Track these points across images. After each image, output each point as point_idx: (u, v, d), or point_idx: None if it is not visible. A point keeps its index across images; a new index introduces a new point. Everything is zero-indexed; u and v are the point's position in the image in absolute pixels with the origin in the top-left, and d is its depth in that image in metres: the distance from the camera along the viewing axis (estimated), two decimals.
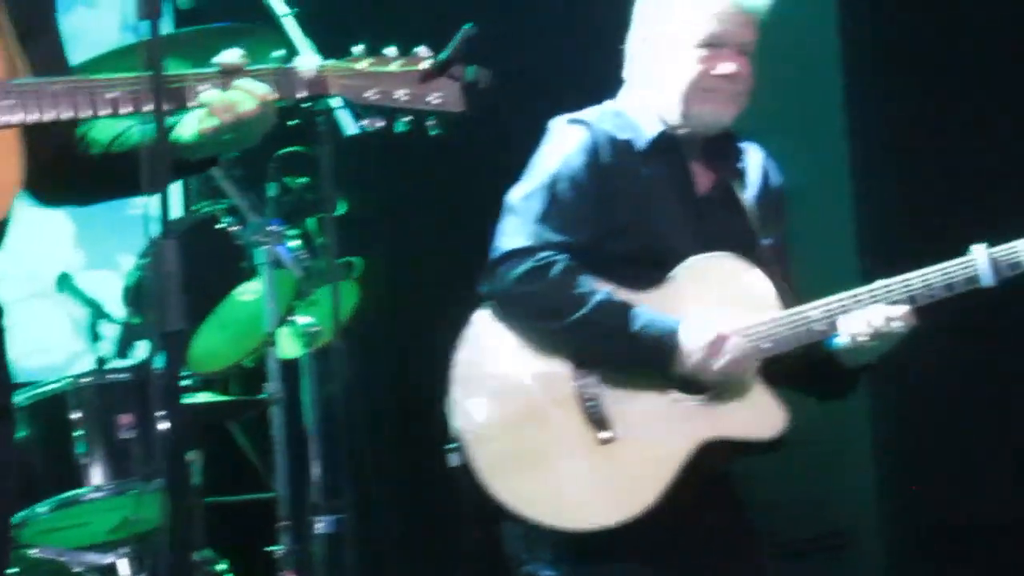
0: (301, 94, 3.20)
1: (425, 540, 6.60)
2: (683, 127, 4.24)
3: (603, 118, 4.29)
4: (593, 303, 4.11)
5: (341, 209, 5.08)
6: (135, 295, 5.33)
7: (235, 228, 5.25)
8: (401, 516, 6.71)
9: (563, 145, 4.24)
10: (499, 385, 4.17)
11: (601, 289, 4.14)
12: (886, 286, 4.08)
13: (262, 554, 5.20)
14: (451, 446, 4.09)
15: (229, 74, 3.08)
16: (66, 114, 2.92)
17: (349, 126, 4.61)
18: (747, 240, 4.28)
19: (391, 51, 3.31)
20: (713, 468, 4.13)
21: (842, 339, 4.06)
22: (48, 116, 3.01)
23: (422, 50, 3.29)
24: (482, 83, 3.33)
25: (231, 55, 3.09)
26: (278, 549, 5.06)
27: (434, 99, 3.34)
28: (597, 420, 4.08)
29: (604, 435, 4.04)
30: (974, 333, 6.35)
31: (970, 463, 6.61)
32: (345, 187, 5.11)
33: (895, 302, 4.08)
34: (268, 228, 5.12)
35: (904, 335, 4.08)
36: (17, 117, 3.02)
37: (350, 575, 4.90)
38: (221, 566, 5.14)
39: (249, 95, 3.04)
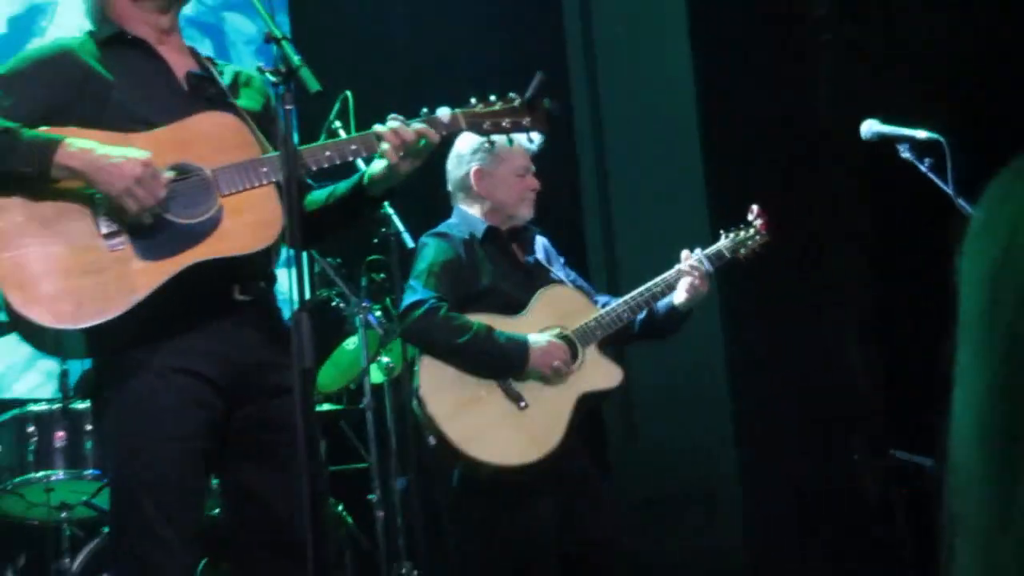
0: (443, 132, 3.83)
1: None
2: (506, 224, 5.39)
3: (451, 227, 5.35)
4: (476, 328, 5.08)
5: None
6: None
7: (342, 305, 6.36)
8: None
9: (435, 249, 5.25)
10: (450, 383, 5.13)
11: (475, 320, 5.09)
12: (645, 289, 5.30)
13: (364, 501, 6.28)
14: (427, 431, 5.10)
15: (396, 128, 3.75)
16: (293, 173, 3.42)
17: (407, 239, 5.85)
18: (553, 282, 5.41)
19: (492, 97, 3.99)
20: (582, 415, 5.18)
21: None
22: (277, 176, 3.62)
23: (512, 94, 3.99)
24: (555, 111, 4.07)
25: (394, 119, 3.79)
26: (373, 497, 6.22)
27: (527, 123, 4.01)
28: (513, 395, 5.12)
29: (522, 405, 5.08)
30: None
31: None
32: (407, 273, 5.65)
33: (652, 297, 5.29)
34: (362, 305, 6.21)
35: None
36: (274, 177, 3.68)
37: (414, 511, 6.12)
38: (339, 507, 6.36)
39: (415, 136, 3.74)
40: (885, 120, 4.94)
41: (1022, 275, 1.03)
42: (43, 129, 3.65)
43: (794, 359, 6.88)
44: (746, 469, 6.98)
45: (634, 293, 5.26)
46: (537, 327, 5.16)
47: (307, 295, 3.60)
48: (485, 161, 5.28)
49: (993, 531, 1.03)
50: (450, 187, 5.42)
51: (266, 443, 3.75)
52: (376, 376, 6.33)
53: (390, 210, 5.84)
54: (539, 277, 5.35)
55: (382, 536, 6.14)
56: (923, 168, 4.73)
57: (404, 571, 6.02)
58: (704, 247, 5.48)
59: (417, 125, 3.74)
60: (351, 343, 6.45)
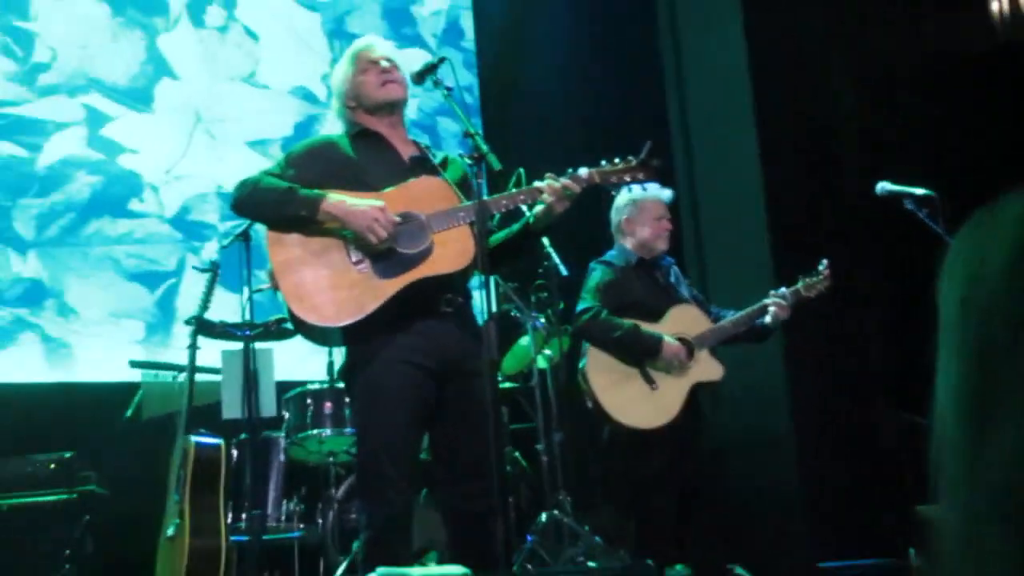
0: (583, 185, 3.79)
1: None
2: (648, 255, 5.36)
3: (612, 257, 5.37)
4: (625, 326, 5.08)
5: (560, 306, 5.98)
6: None
7: (518, 315, 6.14)
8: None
9: (600, 272, 5.30)
10: (606, 366, 5.13)
11: (626, 321, 5.11)
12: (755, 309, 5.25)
13: (533, 449, 6.20)
14: (588, 399, 5.12)
15: (551, 184, 3.75)
16: (482, 216, 3.52)
17: (561, 268, 5.89)
18: (688, 299, 5.38)
19: (616, 159, 3.89)
20: (695, 396, 5.16)
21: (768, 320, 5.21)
22: (471, 218, 3.65)
23: (631, 156, 3.88)
24: (660, 168, 3.95)
25: (549, 177, 3.77)
26: (539, 447, 6.08)
27: (640, 177, 3.91)
28: (648, 379, 5.11)
29: (654, 387, 5.09)
30: None
31: None
32: (561, 292, 5.99)
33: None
34: (531, 314, 6.11)
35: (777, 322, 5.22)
36: (469, 219, 3.69)
37: (567, 456, 6.00)
38: (516, 453, 6.35)
39: (563, 188, 3.74)
40: (894, 181, 4.91)
41: (983, 297, 1.07)
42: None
43: (830, 347, 6.68)
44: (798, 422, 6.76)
45: (740, 314, 5.29)
46: (668, 332, 5.17)
47: (494, 308, 3.43)
48: (633, 212, 5.39)
49: (965, 478, 1.03)
50: (612, 228, 5.52)
51: (462, 411, 3.79)
52: (541, 363, 6.31)
53: (550, 249, 5.87)
54: (672, 295, 5.37)
55: (546, 473, 6.09)
56: (921, 216, 4.70)
57: (560, 497, 5.94)
58: (771, 281, 5.58)
59: (564, 180, 3.77)
60: (524, 340, 6.37)
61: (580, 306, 5.24)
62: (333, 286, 3.71)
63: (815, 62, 7.02)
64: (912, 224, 4.72)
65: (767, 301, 5.27)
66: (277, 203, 3.76)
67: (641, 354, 5.14)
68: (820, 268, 5.38)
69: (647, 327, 5.16)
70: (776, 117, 6.97)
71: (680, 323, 5.24)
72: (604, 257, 5.41)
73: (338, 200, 3.72)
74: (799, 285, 5.33)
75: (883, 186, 4.88)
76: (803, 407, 6.70)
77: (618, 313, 5.19)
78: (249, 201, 3.83)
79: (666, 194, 5.37)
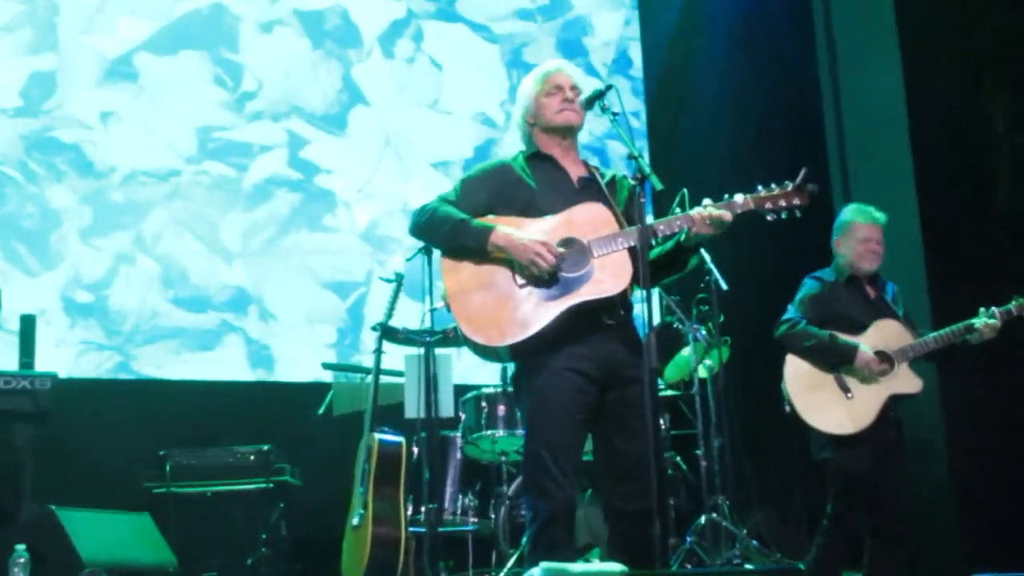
0: (738, 211, 3.72)
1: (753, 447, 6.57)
2: (857, 272, 5.20)
3: (826, 273, 5.27)
4: (820, 335, 4.99)
5: (720, 319, 6.06)
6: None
7: (680, 326, 6.21)
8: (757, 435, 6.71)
9: (808, 286, 5.22)
10: (804, 373, 5.05)
11: (824, 331, 5.01)
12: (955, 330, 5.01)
13: (693, 455, 6.23)
14: (785, 403, 5.04)
15: (705, 211, 3.67)
16: (644, 239, 3.50)
17: (722, 282, 5.95)
18: (896, 315, 5.18)
19: (773, 185, 3.78)
20: (893, 407, 5.01)
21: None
22: (632, 242, 3.64)
23: (787, 182, 3.76)
24: (815, 193, 3.78)
25: (706, 204, 3.70)
26: (699, 452, 6.15)
27: (796, 203, 3.76)
28: (843, 387, 4.97)
29: (849, 395, 4.98)
30: None
31: None
32: (721, 305, 6.03)
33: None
34: (693, 326, 6.14)
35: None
36: (629, 244, 3.68)
37: (726, 462, 5.99)
38: (677, 457, 6.28)
39: (718, 216, 3.67)
40: None
41: None
42: (488, 218, 3.82)
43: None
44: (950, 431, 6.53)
45: (944, 332, 5.06)
46: (870, 343, 5.03)
47: (655, 320, 3.48)
48: (842, 232, 5.27)
49: None
50: (832, 248, 5.36)
51: (623, 415, 3.74)
52: (701, 372, 6.27)
53: (711, 265, 5.84)
54: (881, 309, 5.21)
55: (704, 477, 6.06)
56: None
57: (719, 500, 5.93)
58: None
59: (718, 211, 3.69)
60: (686, 351, 6.33)
61: (784, 316, 5.20)
62: (500, 308, 3.75)
63: (968, 85, 6.82)
64: None
65: (975, 321, 5.02)
66: (450, 234, 3.81)
67: (835, 363, 5.04)
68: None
69: (847, 338, 5.05)
70: (932, 140, 6.79)
71: (882, 336, 5.09)
72: (818, 272, 5.33)
73: (505, 233, 3.74)
74: (1012, 304, 5.06)
75: None
76: (956, 415, 6.50)
77: (823, 324, 5.11)
78: (425, 228, 3.89)
79: (878, 216, 5.24)
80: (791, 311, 5.20)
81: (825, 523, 5.02)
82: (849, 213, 5.23)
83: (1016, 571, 5.65)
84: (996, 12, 6.82)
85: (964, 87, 6.87)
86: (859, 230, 5.22)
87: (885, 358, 5.01)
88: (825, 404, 5.01)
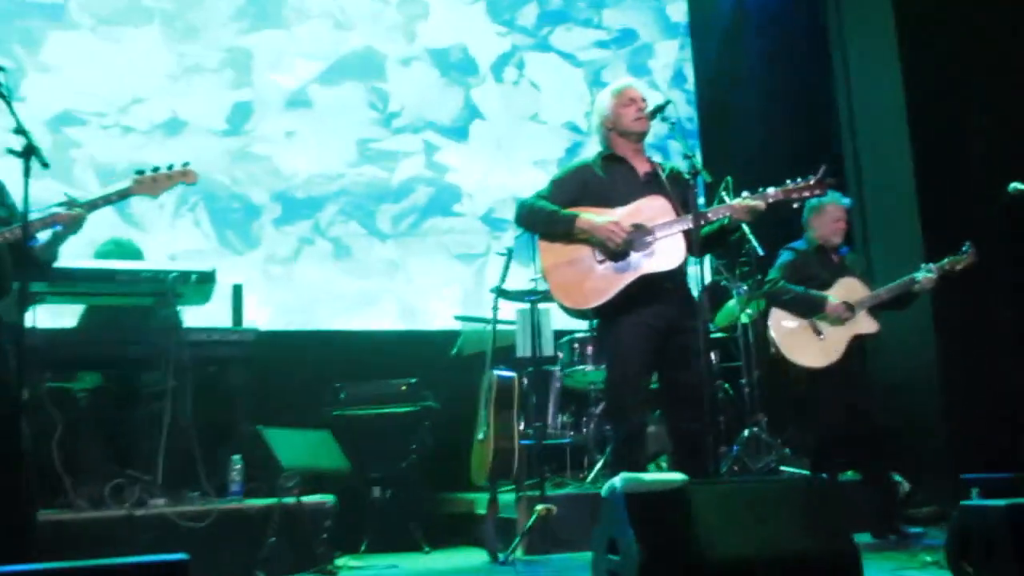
0: (769, 201, 3.62)
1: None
2: (827, 244, 5.05)
3: (798, 244, 5.13)
4: (796, 290, 4.92)
5: (758, 277, 5.62)
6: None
7: (726, 283, 6.02)
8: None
9: (786, 255, 5.11)
10: (784, 320, 4.97)
11: (800, 287, 4.92)
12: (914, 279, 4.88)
13: (738, 383, 5.97)
14: (771, 346, 4.95)
15: (744, 202, 3.59)
16: (697, 223, 3.46)
17: (759, 248, 5.60)
18: (854, 274, 5.02)
19: (798, 179, 3.70)
20: (856, 345, 4.87)
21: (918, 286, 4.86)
22: (686, 226, 3.60)
23: (810, 176, 3.68)
24: (833, 185, 3.82)
25: (745, 196, 3.64)
26: (743, 381, 5.90)
27: (817, 194, 3.72)
28: (816, 330, 4.88)
29: (821, 336, 4.88)
30: None
31: None
32: (759, 266, 5.66)
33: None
34: (737, 283, 5.95)
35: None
36: (683, 227, 3.66)
37: (762, 387, 5.80)
38: (726, 385, 6.06)
39: (753, 205, 3.61)
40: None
41: None
42: (573, 209, 3.81)
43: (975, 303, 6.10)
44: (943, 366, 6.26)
45: (892, 285, 4.98)
46: (835, 295, 4.95)
47: (707, 280, 3.63)
48: (816, 213, 5.14)
49: None
50: (803, 222, 5.23)
51: (681, 356, 3.71)
52: (743, 319, 6.07)
53: (750, 235, 5.58)
54: (844, 270, 5.10)
55: (747, 399, 5.93)
56: None
57: (758, 417, 5.85)
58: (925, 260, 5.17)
59: (753, 202, 3.64)
60: (731, 303, 6.14)
61: (767, 278, 5.17)
62: (584, 279, 3.72)
63: (960, 90, 6.53)
64: None
65: (916, 275, 4.96)
66: (545, 222, 3.79)
67: (809, 311, 4.94)
68: (964, 249, 5.02)
69: (817, 292, 4.95)
70: (927, 135, 6.54)
71: (845, 290, 5.00)
72: (792, 244, 5.23)
73: (587, 218, 3.72)
74: (945, 262, 4.98)
75: (1014, 186, 4.51)
76: (948, 355, 6.26)
77: (798, 283, 5.02)
78: (526, 219, 3.86)
79: (844, 201, 5.16)
80: (773, 274, 5.10)
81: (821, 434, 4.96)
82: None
83: (1002, 472, 5.43)
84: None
85: (957, 92, 6.59)
86: (831, 212, 5.07)
87: (848, 307, 4.91)
88: (802, 344, 4.90)
